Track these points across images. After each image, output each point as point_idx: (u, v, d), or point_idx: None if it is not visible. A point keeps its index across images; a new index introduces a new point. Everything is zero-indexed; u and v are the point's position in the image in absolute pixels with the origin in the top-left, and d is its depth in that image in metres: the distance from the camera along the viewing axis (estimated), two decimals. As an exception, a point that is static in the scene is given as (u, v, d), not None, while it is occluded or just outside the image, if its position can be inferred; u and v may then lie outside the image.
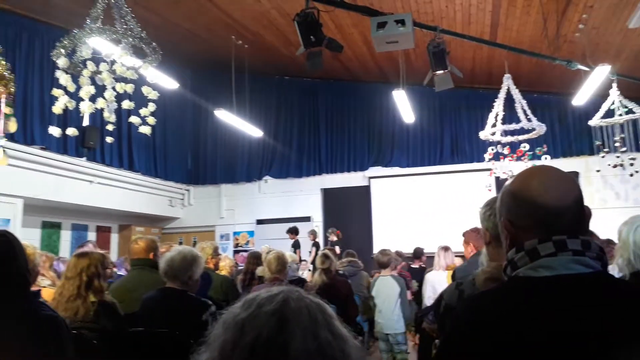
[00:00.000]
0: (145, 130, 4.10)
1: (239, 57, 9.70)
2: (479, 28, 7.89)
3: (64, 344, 1.88)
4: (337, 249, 8.51)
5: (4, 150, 3.82)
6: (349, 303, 5.16)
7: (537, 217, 1.04)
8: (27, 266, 1.93)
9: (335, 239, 10.05)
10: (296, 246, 9.99)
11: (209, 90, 11.97)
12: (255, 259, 5.51)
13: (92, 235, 10.53)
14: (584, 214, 1.07)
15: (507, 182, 1.13)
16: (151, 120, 4.23)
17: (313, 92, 12.25)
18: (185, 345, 2.58)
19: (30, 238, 8.64)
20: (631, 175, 8.53)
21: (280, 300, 0.82)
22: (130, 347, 2.73)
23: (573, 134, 10.50)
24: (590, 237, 1.03)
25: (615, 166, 8.14)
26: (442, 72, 6.25)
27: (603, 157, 8.35)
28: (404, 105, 8.41)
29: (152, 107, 4.19)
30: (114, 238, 11.23)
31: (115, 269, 5.44)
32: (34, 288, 3.39)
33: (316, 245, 10.05)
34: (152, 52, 4.00)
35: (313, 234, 10.26)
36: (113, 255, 10.72)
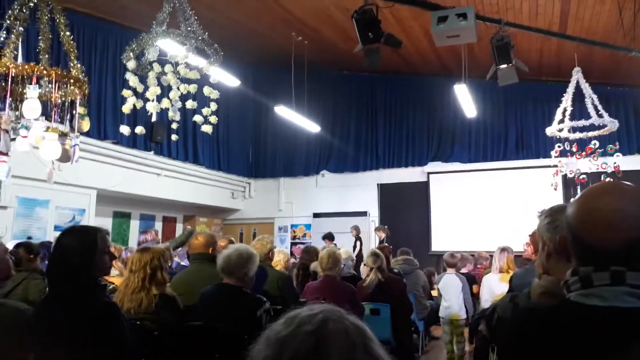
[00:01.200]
0: (207, 129, 4.26)
1: (299, 53, 9.81)
2: (547, 19, 7.50)
3: (122, 328, 2.02)
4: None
5: (78, 148, 4.09)
6: (404, 302, 5.14)
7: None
8: (91, 260, 2.07)
9: (383, 236, 9.94)
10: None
11: (269, 86, 12.18)
12: (309, 254, 5.58)
13: (158, 225, 11.09)
14: None
15: (578, 197, 1.07)
16: (213, 119, 4.38)
17: (371, 86, 12.17)
18: (240, 340, 2.68)
19: (103, 226, 9.24)
20: None
21: (319, 320, 0.82)
22: (188, 340, 2.86)
23: (651, 129, 9.79)
24: None
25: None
26: (506, 66, 6.02)
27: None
28: (465, 100, 8.18)
29: (214, 106, 4.35)
30: (179, 228, 11.75)
31: (178, 259, 5.68)
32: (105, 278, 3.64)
33: (359, 239, 10.01)
34: (213, 53, 4.14)
35: (356, 229, 10.22)
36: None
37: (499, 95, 10.70)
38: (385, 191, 11.85)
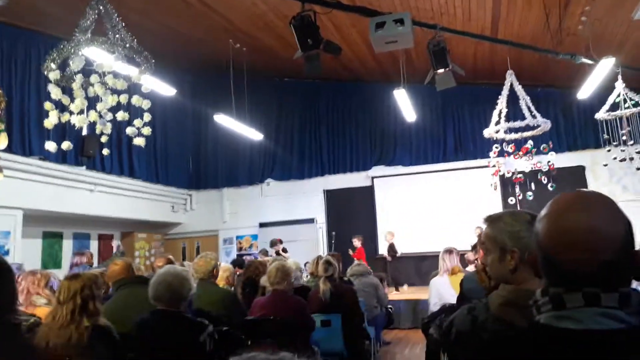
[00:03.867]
0: (139, 142, 3.99)
1: (238, 60, 9.60)
2: (480, 24, 7.74)
3: None
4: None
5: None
6: (356, 311, 5.06)
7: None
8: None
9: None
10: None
11: (209, 94, 11.89)
12: (254, 267, 5.39)
13: (94, 244, 10.47)
14: (634, 260, 0.91)
15: (546, 212, 0.98)
16: (146, 130, 4.12)
17: (313, 93, 12.14)
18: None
19: (31, 249, 8.59)
20: (638, 169, 8.37)
21: None
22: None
23: (578, 128, 10.33)
24: (630, 289, 0.89)
25: (622, 160, 7.98)
26: (443, 70, 6.12)
27: (609, 150, 8.20)
28: (405, 104, 8.28)
29: (147, 117, 4.09)
30: (117, 246, 11.16)
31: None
32: (29, 309, 3.30)
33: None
34: (144, 61, 3.89)
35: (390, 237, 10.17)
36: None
37: (437, 99, 10.96)
38: (332, 197, 11.83)
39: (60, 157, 8.47)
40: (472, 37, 7.30)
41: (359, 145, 11.80)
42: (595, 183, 10.16)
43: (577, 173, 10.22)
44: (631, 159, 7.89)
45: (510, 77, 7.27)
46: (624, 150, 7.95)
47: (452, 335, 1.94)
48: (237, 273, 5.84)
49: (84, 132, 7.81)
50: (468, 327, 1.85)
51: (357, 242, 9.95)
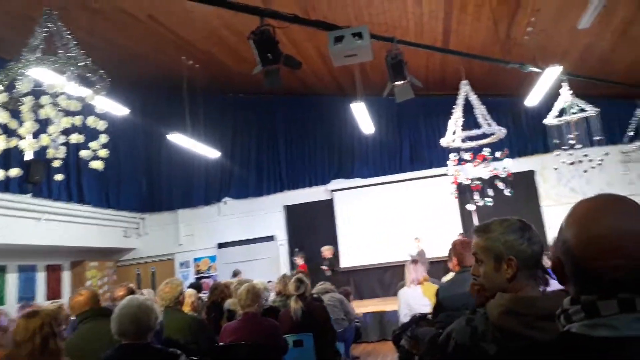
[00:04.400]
0: (97, 165, 3.75)
1: (191, 77, 9.37)
2: (432, 36, 7.93)
3: None
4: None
5: None
6: (327, 328, 4.95)
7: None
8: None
9: (301, 261, 9.86)
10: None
11: (162, 113, 11.57)
12: (218, 290, 5.20)
13: (41, 276, 9.83)
14: None
15: (574, 219, 0.94)
16: (103, 152, 3.88)
17: (270, 109, 12.03)
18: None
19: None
20: (585, 171, 8.76)
21: None
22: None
23: (528, 134, 10.75)
24: None
25: (571, 163, 8.33)
26: (401, 82, 6.17)
27: (558, 155, 8.54)
28: (362, 117, 8.32)
29: (103, 139, 3.85)
30: (66, 276, 10.53)
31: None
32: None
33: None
34: (99, 80, 3.67)
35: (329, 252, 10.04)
36: (65, 294, 10.05)
37: (392, 110, 11.12)
38: (292, 213, 11.69)
39: (3, 185, 7.93)
40: (427, 49, 7.46)
41: (317, 159, 11.76)
42: (545, 186, 10.57)
43: (528, 177, 10.61)
44: (580, 161, 8.24)
45: (465, 87, 7.45)
46: (571, 154, 8.30)
47: (449, 347, 1.87)
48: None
49: (28, 157, 7.34)
50: (468, 339, 1.79)
51: (299, 260, 9.93)
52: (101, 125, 3.91)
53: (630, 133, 9.36)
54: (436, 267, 8.50)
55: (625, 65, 8.61)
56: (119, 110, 6.25)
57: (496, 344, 1.58)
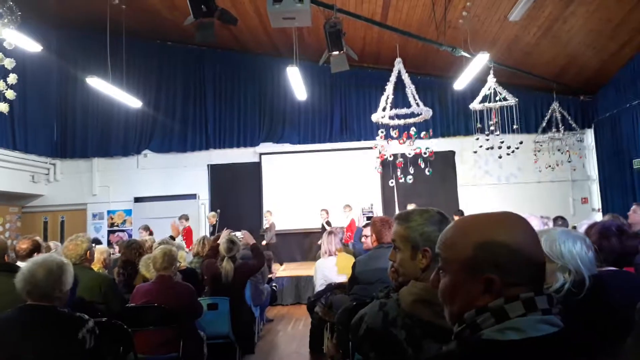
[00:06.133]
0: (3, 107, 3.38)
1: (115, 18, 8.66)
2: (372, 8, 7.89)
3: None
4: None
5: None
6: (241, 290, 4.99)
7: (534, 273, 0.96)
8: None
9: (214, 221, 9.73)
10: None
11: (80, 55, 10.73)
12: (132, 249, 4.99)
13: None
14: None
15: (485, 232, 0.97)
16: (10, 94, 3.51)
17: (199, 60, 11.50)
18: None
19: None
20: (500, 157, 9.30)
21: None
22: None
23: (451, 116, 11.16)
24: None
25: (490, 148, 8.78)
26: (338, 53, 6.13)
27: (477, 139, 8.98)
28: (297, 82, 8.18)
29: (12, 78, 3.47)
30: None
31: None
32: None
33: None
34: (8, 12, 3.28)
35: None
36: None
37: (325, 78, 11.06)
38: (216, 172, 11.42)
39: None
40: (365, 21, 7.41)
41: (247, 119, 11.49)
42: (463, 167, 11.13)
43: (449, 157, 11.10)
44: (499, 147, 8.71)
45: (398, 65, 7.54)
46: (488, 139, 8.76)
47: (361, 330, 1.93)
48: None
49: None
50: (379, 324, 1.85)
51: (212, 220, 9.88)
52: (8, 63, 3.53)
53: (543, 124, 10.00)
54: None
55: (546, 59, 9.12)
56: (31, 46, 5.65)
57: (406, 330, 1.63)
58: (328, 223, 9.57)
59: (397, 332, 1.67)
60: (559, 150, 10.05)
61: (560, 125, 9.70)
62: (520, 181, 10.93)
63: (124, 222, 11.59)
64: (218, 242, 4.93)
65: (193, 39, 9.94)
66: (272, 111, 11.47)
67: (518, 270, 0.94)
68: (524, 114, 10.31)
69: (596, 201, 10.84)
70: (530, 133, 10.46)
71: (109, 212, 11.65)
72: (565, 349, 0.91)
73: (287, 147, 11.42)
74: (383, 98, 7.86)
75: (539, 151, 10.07)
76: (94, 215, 11.66)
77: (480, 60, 7.20)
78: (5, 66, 3.58)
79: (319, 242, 9.64)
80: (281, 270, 9.33)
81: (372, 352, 1.80)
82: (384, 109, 7.80)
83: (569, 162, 10.09)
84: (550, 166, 10.08)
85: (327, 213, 9.74)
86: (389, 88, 7.67)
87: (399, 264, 1.83)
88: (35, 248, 3.96)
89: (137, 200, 11.44)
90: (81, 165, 11.64)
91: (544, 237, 1.94)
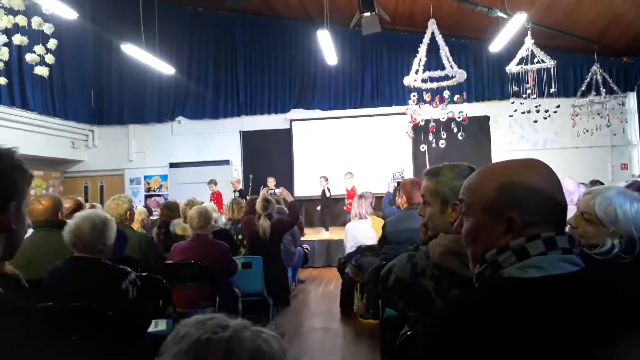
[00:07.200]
0: (42, 71, 3.51)
1: (147, -16, 8.72)
2: (405, -33, 7.66)
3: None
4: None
5: None
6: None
7: (555, 214, 0.98)
8: None
9: (239, 187, 9.99)
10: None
11: (114, 21, 10.85)
12: (170, 210, 5.20)
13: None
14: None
15: (507, 174, 1.00)
16: (50, 58, 3.63)
17: (229, 27, 11.49)
18: (105, 318, 2.34)
19: None
20: (535, 121, 9.05)
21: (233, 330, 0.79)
22: (42, 325, 2.41)
23: (487, 80, 10.86)
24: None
25: (527, 112, 8.55)
26: (369, 14, 6.03)
27: (512, 102, 8.74)
28: (327, 47, 8.09)
29: (52, 43, 3.58)
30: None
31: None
32: None
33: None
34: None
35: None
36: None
37: (356, 43, 10.90)
38: (248, 138, 11.56)
39: None
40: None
41: (278, 86, 11.49)
42: (497, 132, 10.90)
43: (483, 122, 10.87)
44: (529, 112, 8.47)
45: (432, 26, 7.34)
46: (523, 104, 8.52)
47: (390, 281, 1.98)
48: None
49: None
50: (408, 275, 1.90)
51: (236, 185, 10.07)
52: (47, 28, 3.63)
53: (583, 87, 9.64)
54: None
55: (588, 19, 8.71)
56: (67, 13, 5.77)
57: (434, 280, 1.68)
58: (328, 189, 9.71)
59: (425, 282, 1.71)
60: (598, 114, 9.69)
61: (601, 89, 9.32)
62: (557, 147, 10.63)
63: (160, 187, 11.93)
64: (256, 200, 5.09)
65: (224, 4, 10.00)
66: (303, 77, 11.42)
67: (539, 209, 0.96)
68: (562, 77, 9.94)
69: (636, 167, 10.48)
70: (568, 97, 10.10)
71: (145, 177, 12.01)
72: (585, 287, 0.92)
73: (318, 113, 11.40)
74: (416, 60, 7.70)
75: (577, 115, 9.72)
76: (132, 180, 12.05)
77: (517, 21, 6.94)
78: (45, 31, 3.69)
79: (318, 208, 9.84)
80: (326, 234, 9.46)
81: (401, 301, 1.86)
82: (416, 72, 7.66)
83: (609, 126, 9.73)
84: (588, 131, 9.73)
85: (327, 180, 9.75)
86: (422, 50, 7.50)
87: (428, 218, 1.87)
88: (78, 207, 4.14)
89: (172, 165, 11.73)
90: (118, 131, 11.96)
91: (598, 199, 1.86)
